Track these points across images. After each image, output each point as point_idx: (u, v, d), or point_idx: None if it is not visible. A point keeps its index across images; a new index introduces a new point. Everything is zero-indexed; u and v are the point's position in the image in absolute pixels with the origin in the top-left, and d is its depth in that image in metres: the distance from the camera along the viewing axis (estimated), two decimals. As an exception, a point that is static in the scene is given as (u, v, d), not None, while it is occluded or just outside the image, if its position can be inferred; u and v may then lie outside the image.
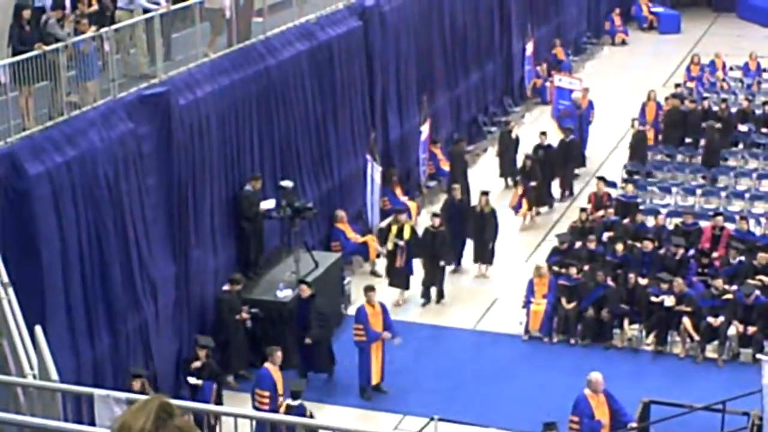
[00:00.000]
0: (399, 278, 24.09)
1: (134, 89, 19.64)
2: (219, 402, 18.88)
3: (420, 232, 24.45)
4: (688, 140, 31.60)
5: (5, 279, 12.80)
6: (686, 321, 21.72)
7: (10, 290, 12.50)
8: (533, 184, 27.94)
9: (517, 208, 27.91)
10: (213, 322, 21.08)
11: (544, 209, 28.77)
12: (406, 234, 24.02)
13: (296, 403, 18.28)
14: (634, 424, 17.93)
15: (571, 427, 17.97)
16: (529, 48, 36.71)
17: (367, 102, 27.14)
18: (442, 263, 24.27)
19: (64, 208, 17.29)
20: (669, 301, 21.91)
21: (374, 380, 20.66)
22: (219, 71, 21.53)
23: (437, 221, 24.20)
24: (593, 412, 17.89)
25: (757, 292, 22.06)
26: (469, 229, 25.40)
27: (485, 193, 25.67)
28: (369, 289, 21.27)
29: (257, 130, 22.63)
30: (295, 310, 20.81)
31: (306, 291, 20.72)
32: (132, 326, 19.00)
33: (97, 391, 9.44)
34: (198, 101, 20.61)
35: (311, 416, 18.18)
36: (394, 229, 24.12)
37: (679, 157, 31.21)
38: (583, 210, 26.19)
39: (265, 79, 22.81)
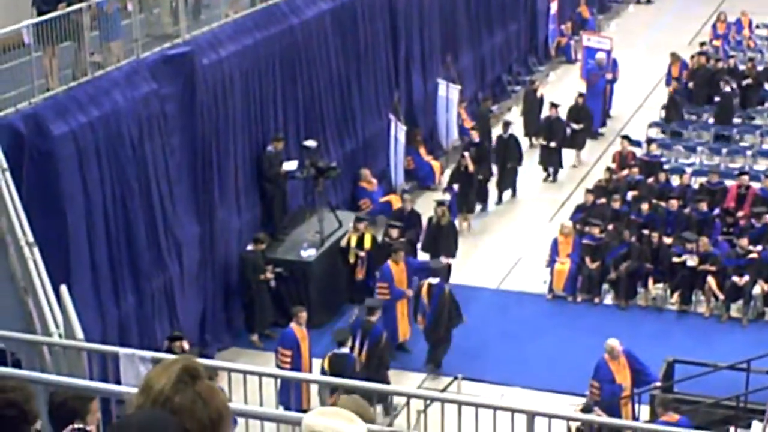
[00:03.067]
0: (359, 293, 21.65)
1: (158, 49, 19.64)
2: None
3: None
4: (717, 99, 31.30)
5: (30, 239, 12.86)
6: (711, 280, 21.66)
7: (35, 250, 12.56)
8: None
9: (453, 217, 24.20)
10: (237, 282, 21.15)
11: (477, 211, 26.26)
12: (367, 243, 22.09)
13: (436, 280, 19.52)
14: (659, 384, 17.93)
15: (591, 392, 17.98)
16: (554, 6, 36.46)
17: (391, 61, 27.05)
18: None
19: (88, 168, 17.34)
20: (692, 260, 21.85)
21: (401, 338, 20.64)
22: (242, 31, 21.48)
23: (395, 233, 22.18)
24: (614, 377, 17.87)
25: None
26: (415, 238, 23.03)
27: (441, 204, 23.24)
28: (396, 249, 21.18)
29: (281, 89, 22.59)
30: None
31: None
32: (157, 286, 19.09)
33: (123, 350, 9.50)
34: (221, 61, 20.59)
35: (450, 294, 19.63)
36: (354, 238, 22.02)
37: (705, 116, 31.00)
38: (608, 169, 26.11)
39: (289, 38, 22.75)
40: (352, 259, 22.00)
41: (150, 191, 18.82)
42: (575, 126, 28.73)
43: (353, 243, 22.06)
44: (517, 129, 29.19)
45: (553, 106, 28.62)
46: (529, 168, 27.95)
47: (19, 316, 12.58)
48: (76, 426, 7.24)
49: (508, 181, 27.21)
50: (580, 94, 29.62)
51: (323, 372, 17.51)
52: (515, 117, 30.81)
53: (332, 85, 24.48)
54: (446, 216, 23.07)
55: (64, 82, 17.88)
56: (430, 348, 20.18)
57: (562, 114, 28.72)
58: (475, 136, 26.96)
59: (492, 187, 26.88)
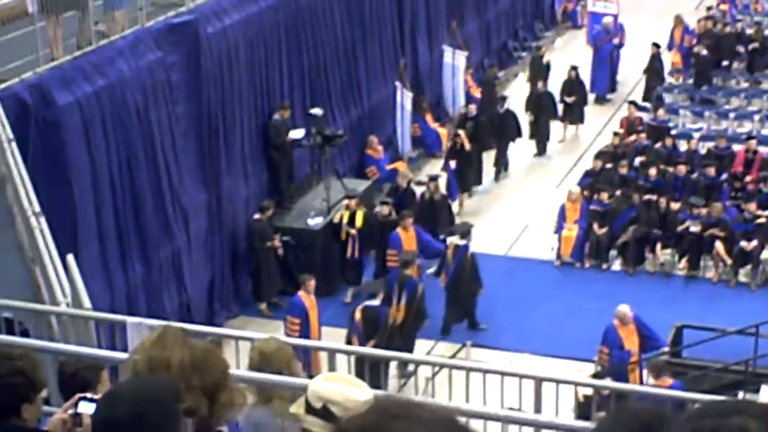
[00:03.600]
0: (349, 272, 21.60)
1: (162, 18, 19.58)
2: None
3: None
4: (725, 63, 31.14)
5: (37, 208, 12.86)
6: (719, 245, 21.61)
7: (42, 219, 12.57)
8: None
9: (453, 195, 24.34)
10: (245, 250, 21.16)
11: (476, 187, 25.81)
12: (358, 221, 21.36)
13: (462, 242, 20.07)
14: (667, 349, 17.94)
15: (600, 357, 18.00)
16: (560, -29, 36.31)
17: (397, 28, 26.94)
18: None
19: (94, 137, 17.33)
20: (694, 226, 21.79)
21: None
22: (247, -1, 21.40)
23: (386, 210, 21.79)
24: (623, 343, 17.87)
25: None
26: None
27: (434, 179, 23.12)
28: (404, 216, 21.13)
29: (286, 57, 22.52)
30: None
31: None
32: (164, 254, 19.11)
33: (130, 319, 9.52)
34: (226, 29, 20.51)
35: (472, 257, 20.20)
36: (346, 215, 21.37)
37: (714, 80, 30.82)
38: (615, 134, 26.04)
39: (294, 6, 22.65)
40: (343, 236, 21.51)
41: (156, 160, 18.82)
42: (567, 99, 28.53)
43: (345, 220, 21.49)
44: (523, 95, 29.08)
45: (541, 79, 28.44)
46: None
47: (27, 286, 12.60)
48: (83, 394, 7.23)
49: (502, 156, 26.69)
50: (573, 68, 29.25)
51: (355, 324, 17.81)
52: (522, 83, 30.70)
53: (338, 52, 24.40)
54: (438, 191, 22.97)
55: (68, 52, 17.83)
56: (446, 314, 20.30)
57: (556, 87, 28.48)
58: (473, 110, 26.60)
59: (489, 162, 26.41)
